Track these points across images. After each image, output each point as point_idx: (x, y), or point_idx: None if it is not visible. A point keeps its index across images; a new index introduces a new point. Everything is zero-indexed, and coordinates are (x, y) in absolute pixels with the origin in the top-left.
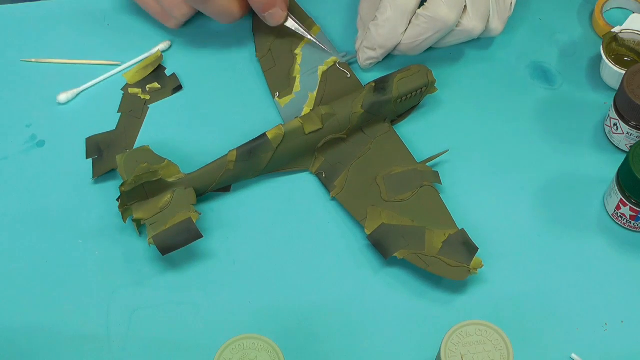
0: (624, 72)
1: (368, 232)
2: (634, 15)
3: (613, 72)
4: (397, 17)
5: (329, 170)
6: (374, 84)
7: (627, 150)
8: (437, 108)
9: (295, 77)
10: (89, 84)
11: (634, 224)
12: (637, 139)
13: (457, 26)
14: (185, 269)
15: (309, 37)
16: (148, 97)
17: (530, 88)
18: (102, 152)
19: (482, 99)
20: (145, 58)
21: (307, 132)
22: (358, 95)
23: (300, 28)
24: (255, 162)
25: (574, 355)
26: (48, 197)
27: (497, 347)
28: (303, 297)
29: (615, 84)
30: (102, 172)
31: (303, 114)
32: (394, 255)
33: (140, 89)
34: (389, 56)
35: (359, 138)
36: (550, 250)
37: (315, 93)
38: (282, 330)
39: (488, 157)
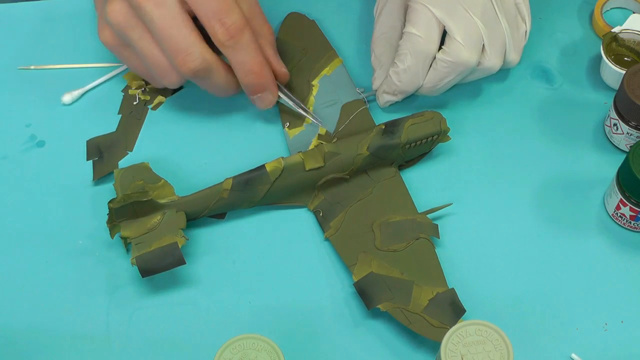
0: (624, 72)
1: (355, 279)
2: (634, 15)
3: (613, 72)
4: (418, 64)
5: (326, 209)
6: (383, 126)
7: (627, 150)
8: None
9: (308, 109)
10: (93, 84)
11: (634, 224)
12: (637, 139)
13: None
14: (185, 269)
15: (301, 112)
16: (148, 98)
17: (530, 88)
18: (103, 154)
19: (484, 105)
20: None
21: (307, 169)
22: (365, 137)
23: (290, 102)
24: (251, 193)
25: (574, 355)
26: (48, 197)
27: (497, 347)
28: (303, 298)
29: (615, 84)
30: (103, 174)
31: (310, 148)
32: (377, 307)
33: (141, 90)
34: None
35: (362, 180)
36: (550, 250)
37: (326, 128)
38: (282, 330)
39: (488, 156)
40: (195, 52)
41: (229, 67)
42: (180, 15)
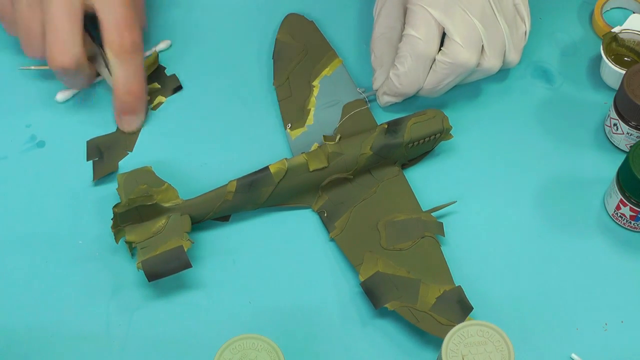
0: (624, 72)
1: (362, 279)
2: (634, 15)
3: (613, 72)
4: (419, 66)
5: (331, 209)
6: (386, 126)
7: (627, 150)
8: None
9: (310, 110)
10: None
11: (634, 224)
12: (637, 139)
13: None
14: (190, 271)
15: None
16: (148, 98)
17: (530, 88)
18: (103, 154)
19: (484, 105)
20: (146, 58)
21: (311, 169)
22: (368, 136)
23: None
24: (255, 195)
25: (574, 355)
26: (48, 198)
27: (498, 348)
28: (310, 298)
29: (615, 84)
30: (103, 174)
31: (313, 148)
32: (385, 306)
33: None
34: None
35: (365, 179)
36: (550, 250)
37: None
38: (282, 330)
39: (488, 157)
40: (72, 52)
41: (92, 68)
42: (78, 11)
